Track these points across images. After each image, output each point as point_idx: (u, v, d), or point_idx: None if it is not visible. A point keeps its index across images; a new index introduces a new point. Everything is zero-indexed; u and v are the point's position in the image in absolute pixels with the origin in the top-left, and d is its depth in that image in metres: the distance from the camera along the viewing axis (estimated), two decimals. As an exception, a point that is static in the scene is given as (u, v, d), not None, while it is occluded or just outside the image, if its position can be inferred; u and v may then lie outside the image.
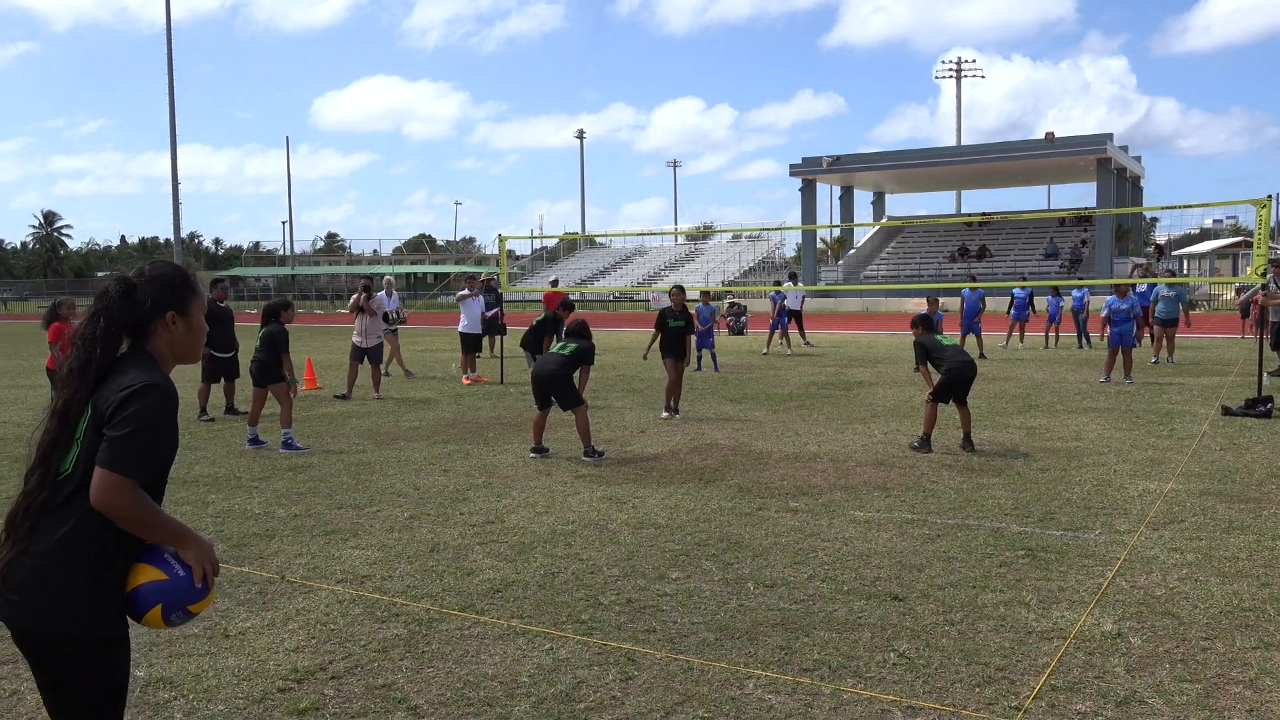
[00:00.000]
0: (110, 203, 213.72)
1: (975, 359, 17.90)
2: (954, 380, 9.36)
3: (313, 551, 6.22)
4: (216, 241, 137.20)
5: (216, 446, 10.20)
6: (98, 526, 2.43)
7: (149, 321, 2.60)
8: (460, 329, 16.88)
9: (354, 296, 14.71)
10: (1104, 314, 15.23)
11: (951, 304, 22.93)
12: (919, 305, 44.03)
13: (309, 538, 6.54)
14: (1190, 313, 18.89)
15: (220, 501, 7.64)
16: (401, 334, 18.59)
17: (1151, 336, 20.89)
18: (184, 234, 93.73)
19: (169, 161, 45.15)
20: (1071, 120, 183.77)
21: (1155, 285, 18.47)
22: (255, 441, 10.04)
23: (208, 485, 8.25)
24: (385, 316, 16.26)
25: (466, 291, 17.13)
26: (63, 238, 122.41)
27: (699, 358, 17.89)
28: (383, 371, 16.29)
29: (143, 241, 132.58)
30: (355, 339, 14.44)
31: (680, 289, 12.23)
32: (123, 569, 2.49)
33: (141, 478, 2.42)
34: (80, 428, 2.49)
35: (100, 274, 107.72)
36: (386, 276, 17.54)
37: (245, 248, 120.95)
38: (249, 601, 5.27)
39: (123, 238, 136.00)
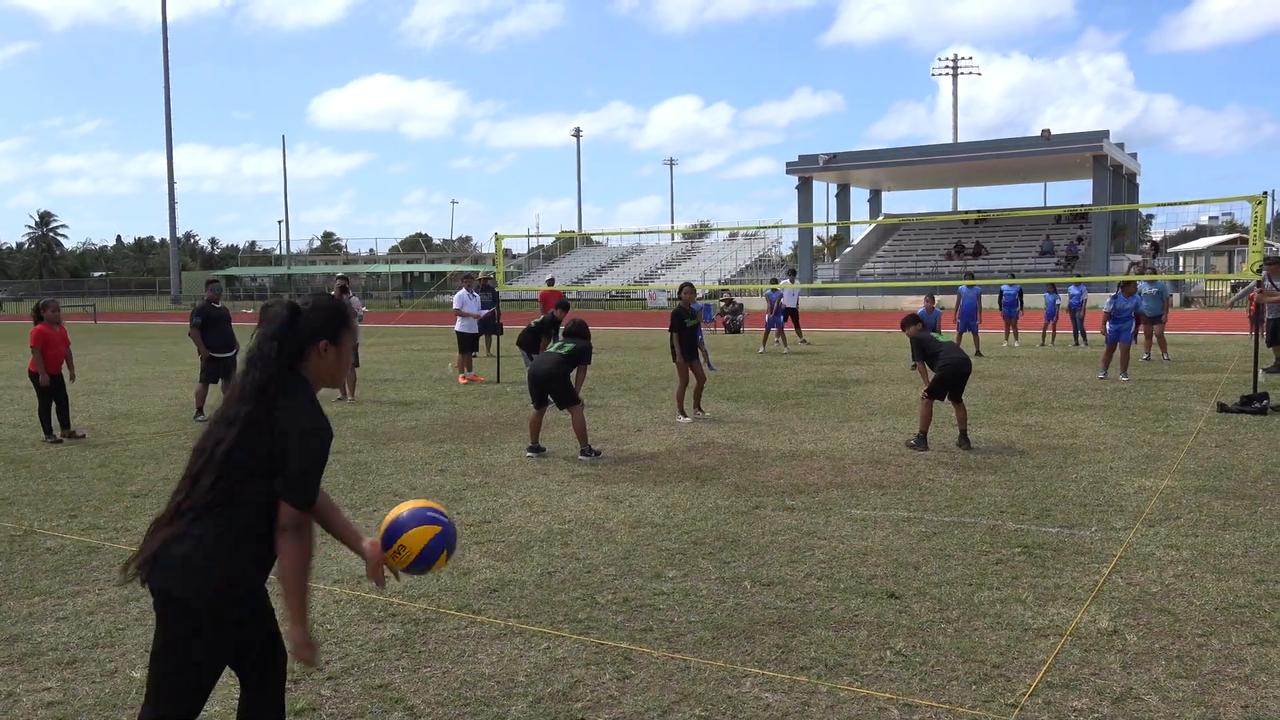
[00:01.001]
0: (107, 203, 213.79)
1: (971, 356, 17.93)
2: (949, 377, 9.37)
3: (309, 552, 6.20)
4: (212, 241, 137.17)
5: (213, 447, 10.19)
6: (253, 524, 2.82)
7: (306, 347, 2.90)
8: (457, 328, 16.86)
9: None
10: (1106, 308, 15.26)
11: (948, 301, 22.92)
12: (916, 304, 43.97)
13: (305, 538, 6.53)
14: (1172, 310, 18.87)
15: (216, 502, 7.63)
16: (397, 334, 18.54)
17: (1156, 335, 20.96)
18: (180, 234, 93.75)
19: (165, 161, 45.18)
20: (1069, 117, 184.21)
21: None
22: None
23: (204, 486, 8.24)
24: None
25: (464, 291, 17.06)
26: (58, 238, 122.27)
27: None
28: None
29: (139, 242, 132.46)
30: None
31: (691, 287, 12.03)
32: (258, 553, 2.87)
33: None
34: (245, 460, 2.80)
35: (96, 274, 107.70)
36: (341, 275, 17.48)
37: (241, 247, 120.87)
38: (245, 602, 5.27)
39: (118, 238, 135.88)
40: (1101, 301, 18.00)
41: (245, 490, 2.80)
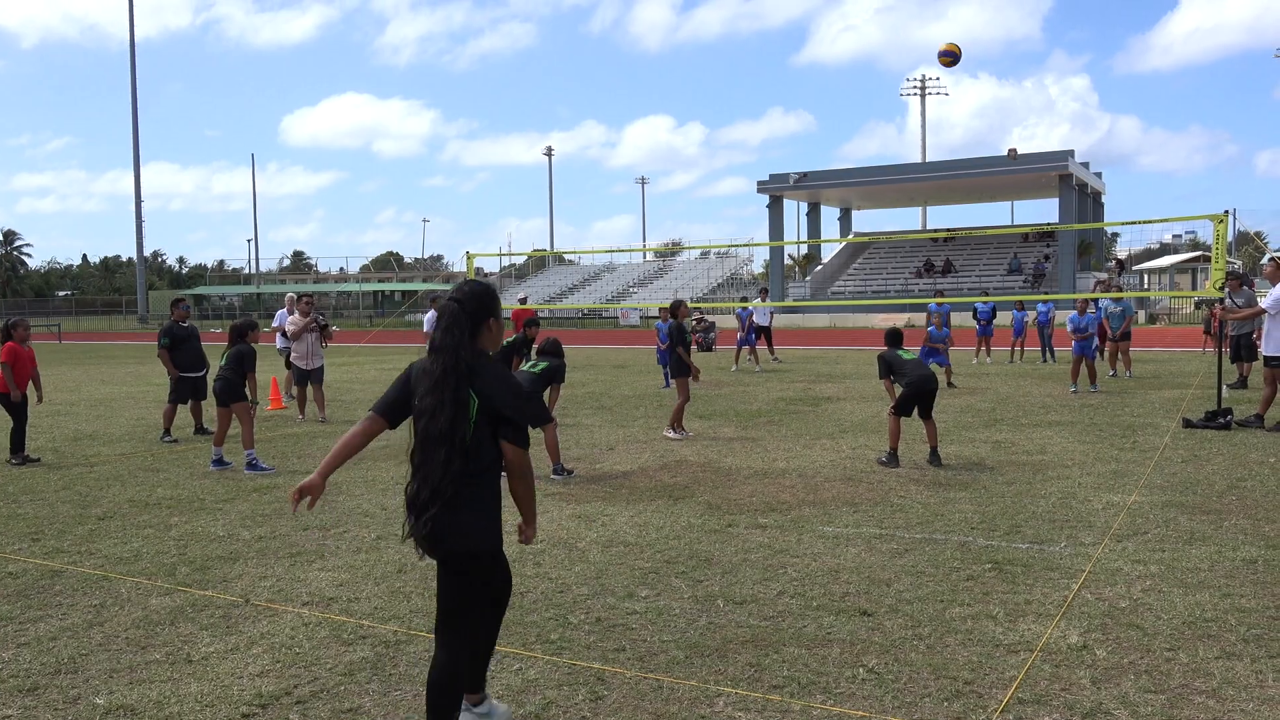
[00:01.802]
0: (74, 221, 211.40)
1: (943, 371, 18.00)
2: (913, 394, 9.44)
3: (278, 574, 6.14)
4: (180, 260, 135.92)
5: (180, 468, 10.07)
6: (498, 485, 3.56)
7: (479, 326, 3.58)
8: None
9: (308, 318, 14.27)
10: (1069, 329, 15.78)
11: (918, 319, 23.07)
12: (887, 321, 44.30)
13: (274, 560, 6.46)
14: (1134, 327, 19.29)
15: (183, 524, 7.53)
16: (368, 353, 18.42)
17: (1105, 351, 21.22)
18: (147, 252, 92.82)
19: (133, 179, 44.77)
20: (1036, 137, 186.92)
21: (1101, 300, 18.81)
22: (220, 463, 9.89)
23: (170, 508, 8.13)
24: (284, 332, 16.08)
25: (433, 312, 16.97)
26: (23, 256, 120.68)
27: (665, 374, 17.89)
28: (287, 394, 16.11)
29: (105, 260, 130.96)
30: (297, 361, 14.07)
31: (685, 304, 12.12)
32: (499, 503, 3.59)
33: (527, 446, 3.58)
34: (471, 411, 3.48)
35: (61, 293, 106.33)
36: (289, 294, 17.35)
37: (210, 266, 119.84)
38: (212, 625, 5.20)
39: (84, 256, 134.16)
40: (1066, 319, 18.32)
41: (483, 458, 3.52)
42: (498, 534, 3.59)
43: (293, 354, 14.13)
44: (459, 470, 3.45)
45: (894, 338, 9.83)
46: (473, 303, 3.58)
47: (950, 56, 23.50)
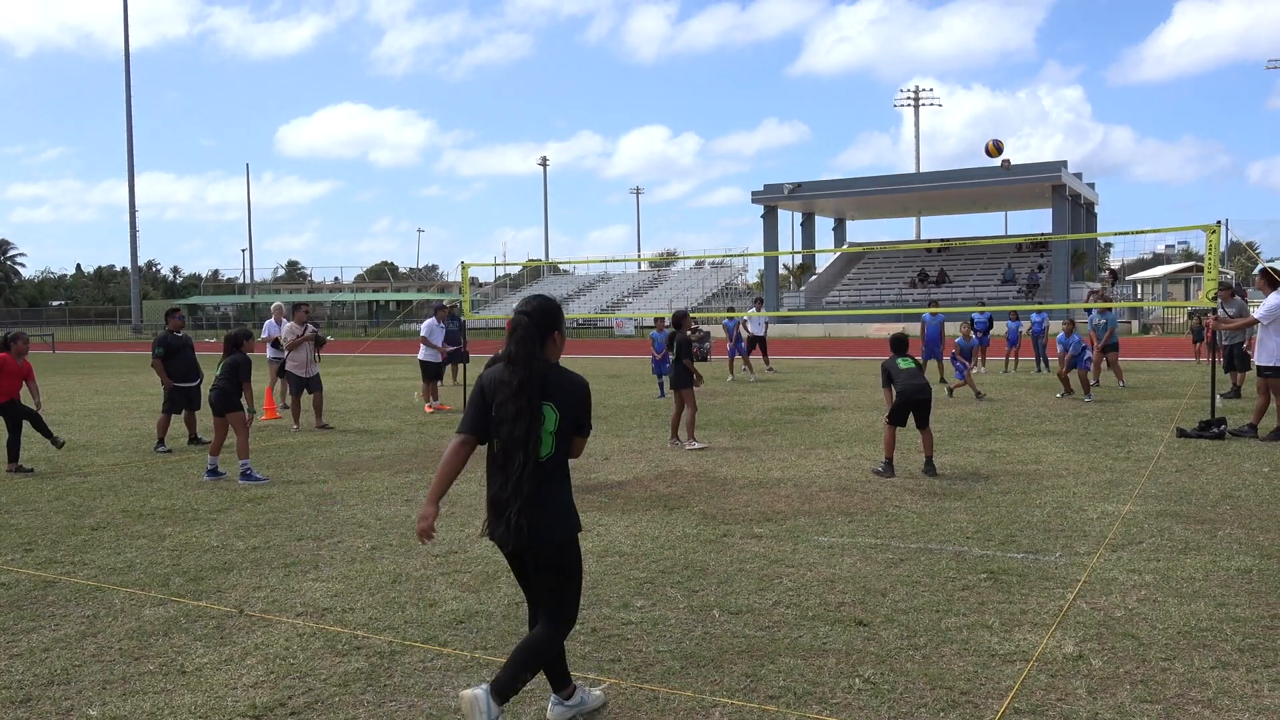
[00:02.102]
0: (68, 231, 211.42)
1: (935, 384, 18.08)
2: (904, 403, 9.45)
3: (272, 584, 6.12)
4: (175, 270, 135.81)
5: (174, 478, 10.04)
6: (568, 478, 3.98)
7: (546, 338, 3.89)
8: (420, 357, 16.76)
9: (303, 330, 14.27)
10: (1060, 348, 16.29)
11: (912, 329, 23.14)
12: (880, 331, 44.40)
13: (268, 570, 6.44)
14: (1119, 338, 19.43)
15: (177, 534, 7.51)
16: (363, 363, 18.40)
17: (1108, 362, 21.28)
18: (142, 262, 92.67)
19: (127, 189, 44.72)
20: (1030, 148, 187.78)
21: (1090, 312, 18.96)
22: (214, 473, 9.86)
23: (164, 518, 8.11)
24: (275, 343, 16.07)
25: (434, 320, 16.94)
26: (16, 266, 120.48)
27: (661, 384, 17.90)
28: (282, 404, 16.11)
29: (99, 270, 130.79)
30: (294, 370, 14.03)
31: (688, 315, 12.21)
32: None
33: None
34: (550, 423, 3.84)
35: (54, 303, 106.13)
36: (276, 304, 17.34)
37: (204, 276, 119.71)
38: (206, 636, 5.18)
39: (78, 266, 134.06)
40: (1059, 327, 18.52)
41: (558, 456, 3.92)
42: (576, 522, 3.98)
43: (289, 363, 14.05)
44: (534, 471, 3.81)
45: (895, 345, 9.82)
46: (540, 316, 3.89)
47: (998, 149, 25.73)
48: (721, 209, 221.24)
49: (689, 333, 12.11)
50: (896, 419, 9.53)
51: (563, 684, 4.11)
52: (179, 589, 6.06)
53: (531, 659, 3.88)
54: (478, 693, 3.72)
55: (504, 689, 3.79)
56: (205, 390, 10.94)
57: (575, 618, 4.04)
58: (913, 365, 9.69)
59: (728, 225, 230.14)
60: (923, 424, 9.55)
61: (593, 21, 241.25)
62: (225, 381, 9.79)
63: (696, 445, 11.48)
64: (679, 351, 11.73)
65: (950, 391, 16.81)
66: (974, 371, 21.67)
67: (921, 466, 9.58)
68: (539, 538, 3.83)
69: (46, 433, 10.92)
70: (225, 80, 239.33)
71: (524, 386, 3.79)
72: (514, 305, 4.35)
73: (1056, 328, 22.25)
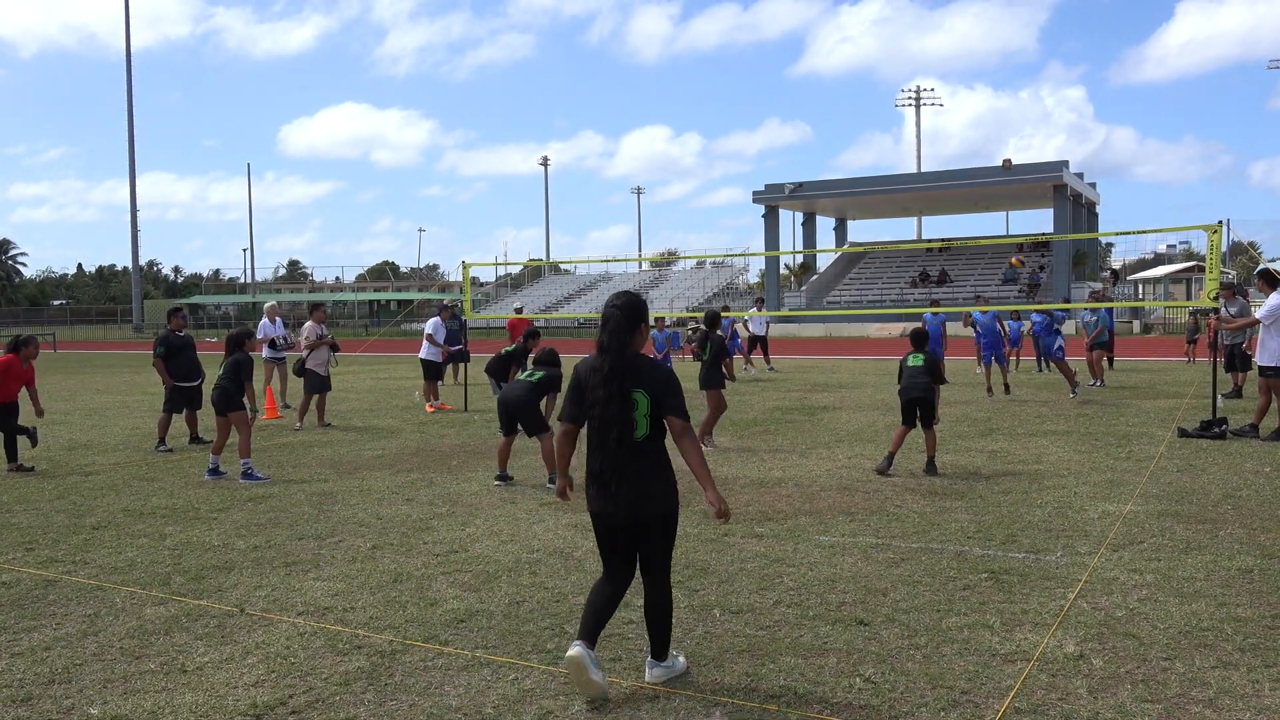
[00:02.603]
0: (70, 230, 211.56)
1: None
2: (903, 402, 9.51)
3: (273, 583, 6.12)
4: (176, 269, 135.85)
5: (175, 478, 10.04)
6: (665, 455, 4.35)
7: (633, 329, 4.34)
8: (422, 355, 16.77)
9: (322, 331, 14.30)
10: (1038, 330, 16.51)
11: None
12: (882, 330, 44.41)
13: (269, 569, 6.45)
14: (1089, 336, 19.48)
15: (178, 533, 7.51)
16: (364, 362, 18.41)
17: (1109, 359, 21.27)
18: (143, 261, 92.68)
19: (128, 188, 44.77)
20: (1032, 148, 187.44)
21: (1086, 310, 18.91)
22: (215, 472, 9.85)
23: (165, 517, 8.11)
24: (272, 343, 16.08)
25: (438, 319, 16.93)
26: (17, 265, 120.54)
27: None
28: (282, 403, 16.17)
29: (100, 269, 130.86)
30: (316, 368, 14.04)
31: (718, 315, 12.18)
32: None
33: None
34: (642, 407, 4.27)
35: (56, 302, 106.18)
36: (269, 304, 17.33)
37: (205, 275, 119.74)
38: (207, 635, 5.18)
39: (79, 266, 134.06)
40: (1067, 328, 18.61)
41: (654, 436, 4.32)
42: (676, 495, 4.38)
43: (311, 361, 13.98)
44: (630, 449, 4.26)
45: (914, 339, 9.88)
46: (630, 310, 4.35)
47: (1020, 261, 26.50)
48: (723, 209, 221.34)
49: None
50: (905, 419, 9.55)
51: (661, 654, 4.50)
52: (180, 588, 6.06)
53: (665, 617, 4.45)
54: (579, 651, 4.18)
55: (661, 649, 4.45)
56: (207, 390, 10.94)
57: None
58: (920, 364, 9.64)
59: (729, 225, 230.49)
60: (925, 423, 9.54)
61: (595, 22, 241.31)
62: (228, 381, 9.79)
63: (708, 446, 11.46)
64: (716, 353, 11.61)
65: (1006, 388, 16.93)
66: (978, 371, 21.65)
67: (923, 467, 9.58)
68: (647, 512, 4.30)
69: (20, 430, 10.64)
70: (227, 80, 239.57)
71: (614, 372, 4.24)
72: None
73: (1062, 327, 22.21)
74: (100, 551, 6.99)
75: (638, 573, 4.50)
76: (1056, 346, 16.31)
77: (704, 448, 11.28)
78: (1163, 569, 6.08)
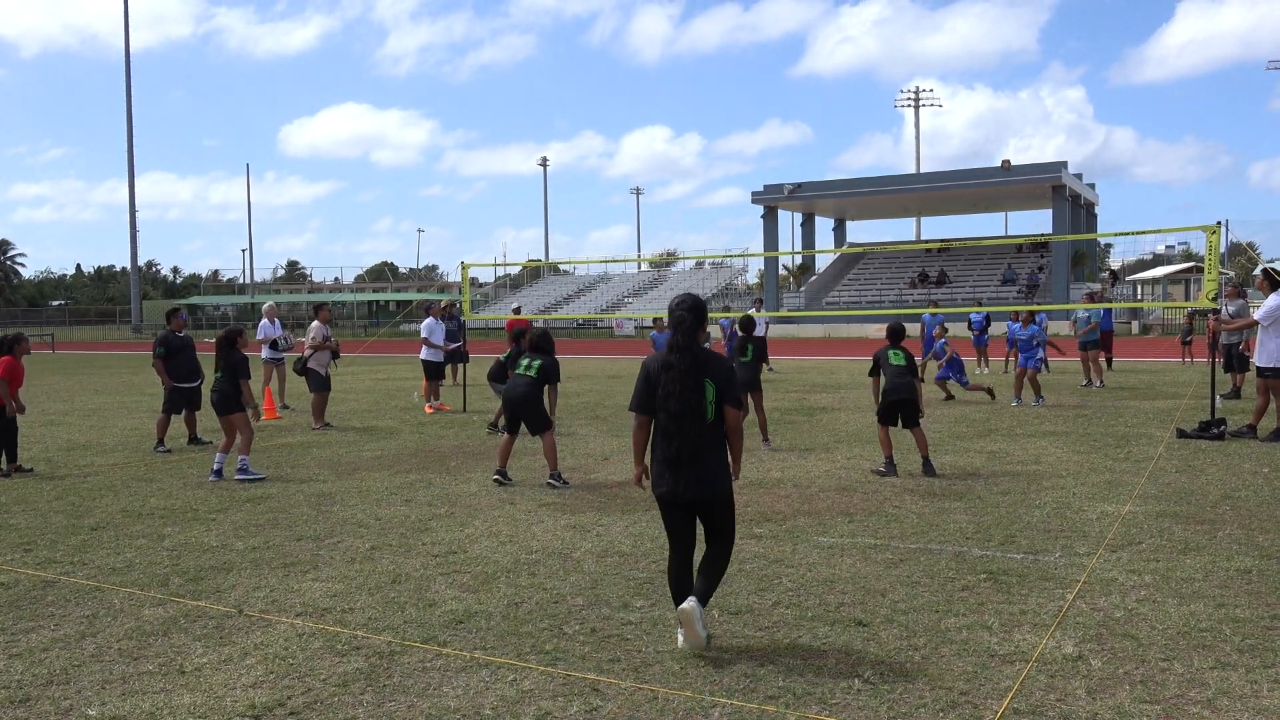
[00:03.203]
0: (70, 230, 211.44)
1: (934, 383, 18.05)
2: (886, 402, 9.52)
3: (271, 584, 6.12)
4: (175, 270, 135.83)
5: (173, 479, 10.04)
6: (725, 440, 4.93)
7: (700, 328, 4.96)
8: (422, 356, 16.77)
9: (325, 334, 14.40)
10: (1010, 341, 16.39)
11: (913, 329, 23.19)
12: (879, 331, 44.26)
13: (268, 570, 6.44)
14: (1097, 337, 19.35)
15: (176, 534, 7.51)
16: (363, 363, 18.40)
17: (1108, 360, 21.28)
18: (142, 262, 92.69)
19: (128, 188, 44.82)
20: (1032, 148, 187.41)
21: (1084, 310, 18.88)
22: (219, 474, 9.84)
23: (164, 518, 8.11)
24: (273, 344, 16.10)
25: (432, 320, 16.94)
26: (16, 266, 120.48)
27: None
28: (281, 403, 16.20)
29: (99, 270, 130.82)
30: (317, 367, 14.12)
31: (752, 318, 11.92)
32: None
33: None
34: (709, 395, 4.83)
35: (54, 303, 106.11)
36: (268, 303, 17.37)
37: (204, 276, 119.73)
38: (205, 636, 5.18)
39: (78, 266, 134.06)
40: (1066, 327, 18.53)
41: (718, 425, 4.87)
42: (732, 478, 4.98)
43: (313, 361, 14.10)
44: (705, 435, 4.81)
45: (892, 334, 9.90)
46: (697, 312, 4.95)
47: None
48: (723, 209, 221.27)
49: None
50: (885, 418, 9.59)
51: (706, 600, 4.93)
52: (178, 589, 6.06)
53: (719, 572, 4.97)
54: (692, 605, 4.68)
55: (705, 596, 4.86)
56: (205, 390, 10.94)
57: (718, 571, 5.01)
58: (903, 362, 9.62)
59: (729, 225, 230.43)
60: (911, 423, 9.55)
61: (596, 22, 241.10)
62: (226, 383, 9.79)
63: (766, 447, 11.37)
64: (757, 354, 11.59)
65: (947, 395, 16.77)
66: (977, 372, 21.68)
67: (919, 467, 9.58)
68: (714, 490, 4.87)
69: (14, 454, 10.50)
70: (229, 80, 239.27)
71: (690, 368, 4.82)
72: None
73: (1055, 328, 22.23)
74: (98, 552, 6.99)
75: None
76: (1039, 358, 16.18)
77: (763, 447, 11.27)
78: (1161, 570, 6.09)
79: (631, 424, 5.10)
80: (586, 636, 5.07)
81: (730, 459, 4.98)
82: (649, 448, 5.06)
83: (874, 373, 9.78)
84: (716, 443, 4.88)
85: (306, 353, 14.21)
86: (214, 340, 10.32)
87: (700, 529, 5.03)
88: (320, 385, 14.17)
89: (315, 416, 14.09)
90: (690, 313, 4.92)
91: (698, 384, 4.79)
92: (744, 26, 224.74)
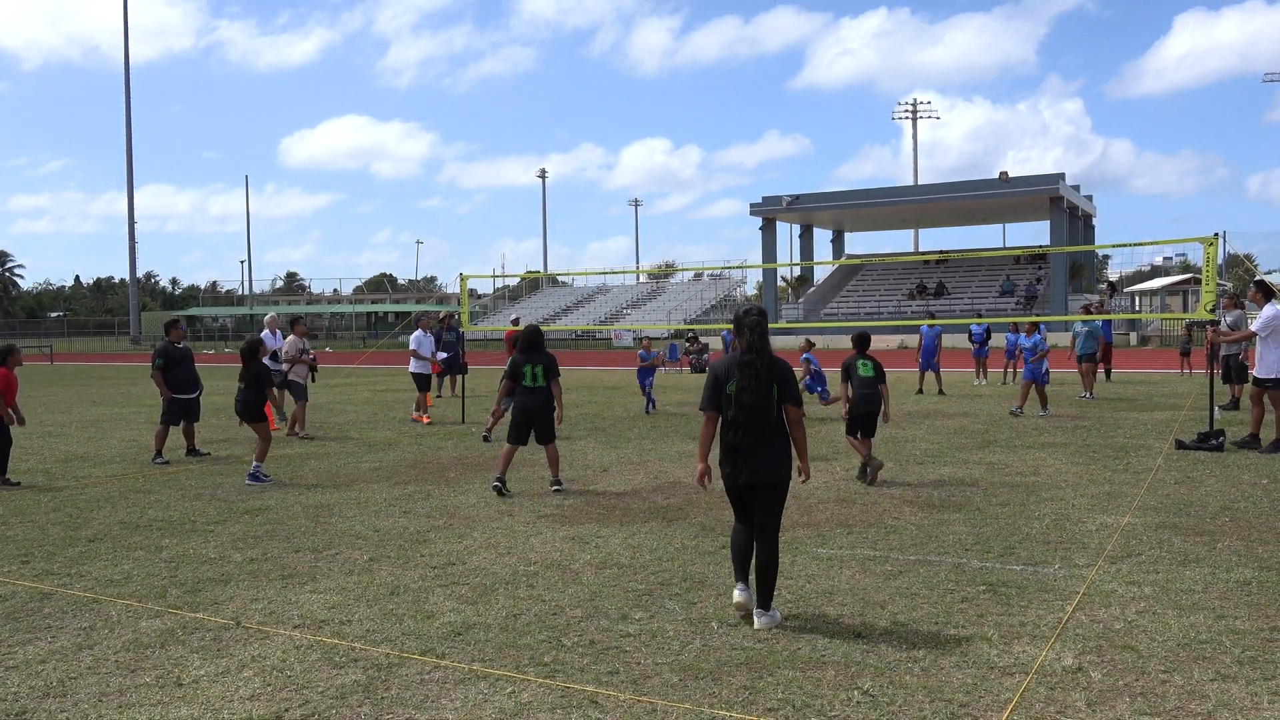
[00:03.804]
0: (69, 242, 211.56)
1: (934, 395, 18.06)
2: (857, 413, 9.75)
3: (269, 596, 6.10)
4: (173, 281, 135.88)
5: (171, 490, 10.02)
6: (786, 433, 5.51)
7: (769, 333, 5.58)
8: (411, 369, 16.76)
9: (303, 346, 15.04)
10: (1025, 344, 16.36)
11: (910, 341, 23.18)
12: (878, 343, 44.17)
13: (265, 582, 6.43)
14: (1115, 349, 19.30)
15: (174, 546, 7.49)
16: (361, 375, 18.40)
17: (1107, 371, 21.29)
18: (140, 273, 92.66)
19: (126, 200, 44.84)
20: (1030, 161, 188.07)
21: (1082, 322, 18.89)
22: (255, 477, 10.30)
23: (161, 530, 8.09)
24: (274, 355, 16.22)
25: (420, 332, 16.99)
26: (14, 277, 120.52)
27: (649, 400, 17.71)
28: (280, 415, 16.38)
29: (97, 281, 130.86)
30: (297, 378, 14.88)
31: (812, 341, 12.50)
32: None
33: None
34: (775, 394, 5.41)
35: (53, 314, 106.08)
36: (270, 314, 17.53)
37: (202, 287, 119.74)
38: (203, 649, 5.16)
39: (77, 278, 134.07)
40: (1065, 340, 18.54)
41: (780, 419, 5.47)
42: (791, 465, 5.51)
43: (293, 374, 14.84)
44: (770, 427, 5.40)
45: (857, 342, 10.14)
46: (766, 321, 5.60)
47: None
48: (722, 221, 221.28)
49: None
50: (853, 428, 9.82)
51: (765, 605, 5.40)
52: (176, 601, 6.04)
53: (771, 578, 5.43)
54: (744, 596, 5.41)
55: (767, 602, 5.38)
56: (211, 401, 10.94)
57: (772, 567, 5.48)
58: (871, 373, 9.87)
59: (728, 237, 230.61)
60: (868, 432, 9.78)
61: (596, 35, 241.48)
62: (251, 392, 10.41)
63: None
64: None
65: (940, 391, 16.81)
66: (976, 384, 21.68)
67: (862, 473, 9.68)
68: (777, 476, 5.42)
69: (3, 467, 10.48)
70: (230, 92, 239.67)
71: (763, 369, 5.40)
72: (739, 312, 5.67)
73: (1054, 339, 22.20)
74: (96, 564, 6.97)
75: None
76: (1044, 370, 16.15)
77: None
78: (1161, 581, 6.08)
79: (701, 421, 5.62)
80: (585, 648, 5.06)
81: (795, 451, 5.55)
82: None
83: (845, 379, 9.99)
84: (779, 434, 5.45)
85: (284, 367, 14.85)
86: (239, 350, 10.85)
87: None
88: (303, 395, 14.87)
89: (300, 425, 14.59)
90: (762, 319, 5.58)
91: (770, 382, 5.38)
92: (744, 39, 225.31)
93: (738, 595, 5.41)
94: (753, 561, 5.46)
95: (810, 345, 17.57)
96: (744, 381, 5.37)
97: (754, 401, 5.33)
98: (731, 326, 5.98)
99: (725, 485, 5.57)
